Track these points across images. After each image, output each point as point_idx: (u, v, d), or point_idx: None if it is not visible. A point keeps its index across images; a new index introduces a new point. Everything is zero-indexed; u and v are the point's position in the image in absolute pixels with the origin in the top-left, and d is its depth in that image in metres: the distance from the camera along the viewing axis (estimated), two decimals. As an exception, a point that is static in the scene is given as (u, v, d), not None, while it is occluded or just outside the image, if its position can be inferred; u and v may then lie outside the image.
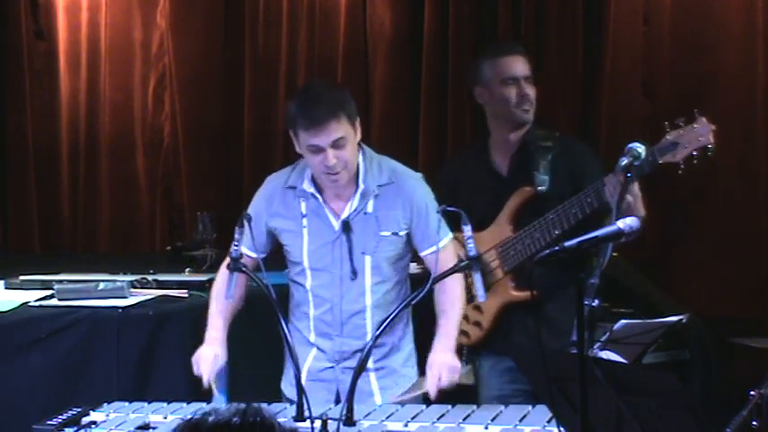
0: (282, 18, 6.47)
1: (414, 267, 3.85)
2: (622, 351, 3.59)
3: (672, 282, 5.52)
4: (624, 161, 3.42)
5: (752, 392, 3.27)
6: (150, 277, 4.61)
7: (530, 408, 3.30)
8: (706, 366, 5.05)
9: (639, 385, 2.51)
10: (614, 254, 3.32)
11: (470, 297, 3.97)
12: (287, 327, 3.46)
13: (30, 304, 4.34)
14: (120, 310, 4.24)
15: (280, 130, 6.45)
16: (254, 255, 3.65)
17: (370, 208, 3.65)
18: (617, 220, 2.87)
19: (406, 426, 3.21)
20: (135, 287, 4.51)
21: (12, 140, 6.74)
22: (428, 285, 3.41)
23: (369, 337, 3.57)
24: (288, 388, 3.74)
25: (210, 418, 1.93)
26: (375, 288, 3.67)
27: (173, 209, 6.77)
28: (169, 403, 3.47)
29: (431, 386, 3.54)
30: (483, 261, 3.88)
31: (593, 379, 2.50)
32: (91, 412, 3.35)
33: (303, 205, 3.68)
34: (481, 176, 4.13)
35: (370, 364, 3.65)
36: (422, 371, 3.72)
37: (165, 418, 3.32)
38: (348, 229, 3.64)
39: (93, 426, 3.26)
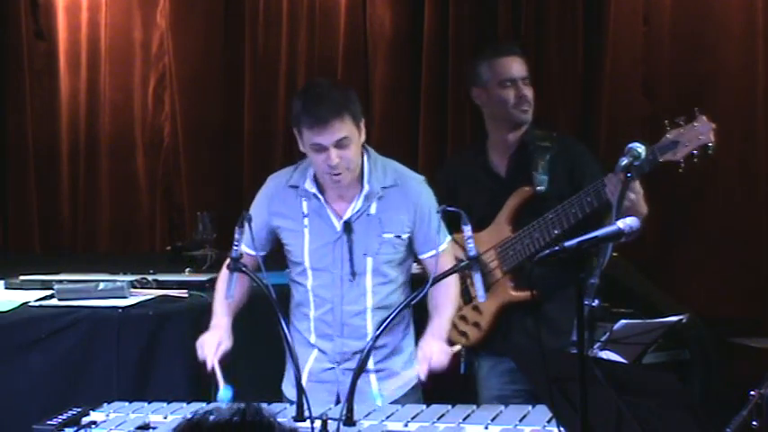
0: (282, 18, 6.46)
1: (414, 267, 3.84)
2: (622, 351, 3.60)
3: (672, 282, 5.52)
4: (624, 161, 3.42)
5: (752, 392, 3.27)
6: (150, 277, 4.61)
7: (530, 408, 3.30)
8: (706, 366, 5.05)
9: (639, 385, 2.51)
10: (614, 254, 3.32)
11: (470, 297, 3.98)
12: (287, 327, 3.46)
13: (30, 304, 4.34)
14: (120, 310, 4.24)
15: (280, 130, 6.46)
16: (253, 253, 3.64)
17: (373, 210, 3.65)
18: (617, 220, 2.87)
19: (406, 426, 3.21)
20: (135, 287, 4.51)
21: (12, 140, 6.74)
22: (428, 286, 3.41)
23: (369, 338, 3.56)
24: (288, 389, 3.73)
25: (211, 418, 1.93)
26: (376, 289, 3.67)
27: (173, 209, 6.76)
28: (169, 403, 3.47)
29: (421, 367, 3.53)
30: (482, 261, 3.88)
31: (593, 379, 2.50)
32: (91, 412, 3.35)
33: (305, 205, 3.68)
34: (479, 177, 4.13)
35: (370, 365, 3.65)
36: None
37: (165, 418, 3.32)
38: (349, 231, 3.63)
39: (93, 426, 3.26)
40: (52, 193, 6.76)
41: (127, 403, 3.49)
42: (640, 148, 3.43)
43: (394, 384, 3.69)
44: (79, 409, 3.32)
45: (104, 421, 3.30)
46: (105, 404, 3.46)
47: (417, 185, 3.70)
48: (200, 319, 4.21)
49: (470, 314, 4.05)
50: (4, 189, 6.75)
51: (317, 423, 3.11)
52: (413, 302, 3.50)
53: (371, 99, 6.16)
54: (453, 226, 3.68)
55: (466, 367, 4.09)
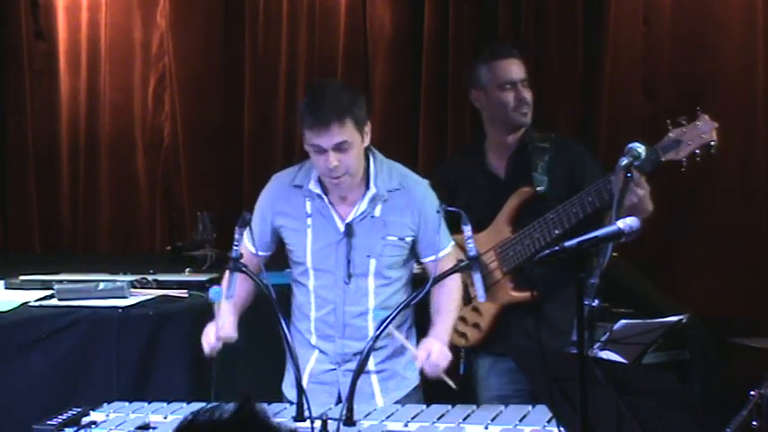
0: (282, 18, 6.47)
1: (414, 268, 3.84)
2: (622, 351, 3.60)
3: (672, 282, 5.52)
4: (624, 161, 3.42)
5: (752, 392, 3.27)
6: (150, 277, 4.60)
7: (530, 408, 3.30)
8: (706, 366, 5.05)
9: (639, 385, 2.51)
10: (614, 254, 3.32)
11: (469, 298, 3.98)
12: (287, 327, 3.46)
13: (30, 304, 4.34)
14: (120, 310, 4.24)
15: (280, 131, 6.46)
16: (260, 253, 3.64)
17: (377, 212, 3.64)
18: (617, 219, 2.87)
19: (406, 426, 3.21)
20: (135, 287, 4.51)
21: (12, 140, 6.74)
22: (428, 286, 3.41)
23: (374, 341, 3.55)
24: (288, 389, 3.73)
25: (208, 417, 1.92)
26: (378, 291, 3.66)
27: (173, 209, 6.76)
28: (169, 403, 3.47)
29: (420, 354, 3.51)
30: (482, 262, 3.88)
31: (593, 379, 2.50)
32: (91, 412, 3.35)
33: (308, 205, 3.67)
34: (478, 178, 4.13)
35: (371, 366, 3.65)
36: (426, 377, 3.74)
37: (165, 418, 3.32)
38: (350, 233, 3.63)
39: (93, 426, 3.26)
40: (52, 193, 6.76)
41: (127, 403, 3.49)
42: (640, 148, 3.44)
43: (395, 386, 3.69)
44: (79, 409, 3.32)
45: (104, 421, 3.30)
46: (105, 404, 3.46)
47: (422, 189, 3.70)
48: (200, 319, 4.21)
49: (470, 315, 4.05)
50: (4, 189, 6.76)
51: (317, 423, 3.11)
52: (413, 302, 3.50)
53: (371, 99, 6.16)
54: (453, 226, 3.68)
55: (465, 367, 4.08)
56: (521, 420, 3.21)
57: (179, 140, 6.68)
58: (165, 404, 3.46)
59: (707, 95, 5.41)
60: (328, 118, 3.47)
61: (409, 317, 3.76)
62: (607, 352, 3.54)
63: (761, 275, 5.43)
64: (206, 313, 4.14)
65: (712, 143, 3.66)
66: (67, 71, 6.73)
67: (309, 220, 3.67)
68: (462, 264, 3.49)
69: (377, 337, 3.41)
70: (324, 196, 3.64)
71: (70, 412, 3.29)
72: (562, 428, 2.82)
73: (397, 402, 3.58)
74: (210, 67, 6.68)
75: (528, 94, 4.05)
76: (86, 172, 6.74)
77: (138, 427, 3.24)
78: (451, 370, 3.62)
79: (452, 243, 3.70)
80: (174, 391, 3.98)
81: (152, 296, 4.42)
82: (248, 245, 3.62)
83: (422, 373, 3.58)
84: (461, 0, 6.00)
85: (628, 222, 2.78)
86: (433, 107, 6.08)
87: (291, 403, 3.42)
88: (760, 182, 5.45)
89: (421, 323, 3.84)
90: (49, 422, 3.22)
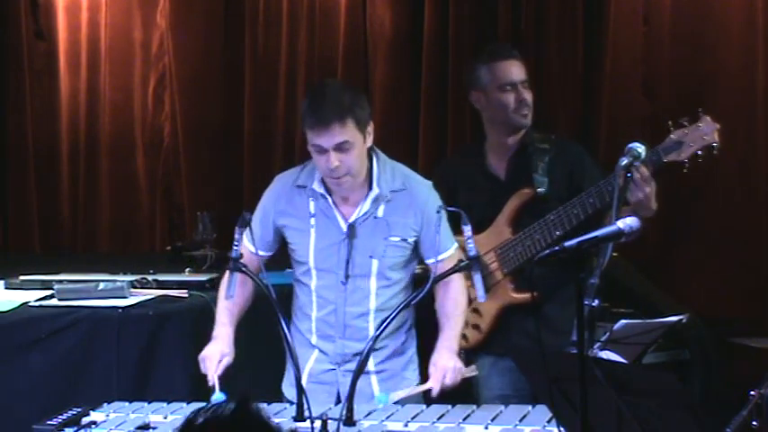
0: (282, 18, 6.46)
1: (415, 268, 3.84)
2: (622, 351, 3.59)
3: (672, 282, 5.52)
4: (624, 161, 3.42)
5: (752, 392, 3.27)
6: (150, 277, 4.60)
7: (530, 408, 3.30)
8: (706, 366, 5.05)
9: (639, 385, 2.51)
10: (614, 254, 3.32)
11: (470, 299, 3.98)
12: (287, 327, 3.46)
13: (30, 304, 4.34)
14: (120, 310, 4.24)
15: (280, 131, 6.46)
16: (261, 253, 3.64)
17: (380, 212, 3.64)
18: (617, 219, 2.87)
19: (406, 426, 3.21)
20: (135, 287, 4.51)
21: (12, 140, 6.74)
22: (428, 286, 3.41)
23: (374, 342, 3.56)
24: (288, 389, 3.73)
25: (207, 417, 1.93)
26: (380, 292, 3.66)
27: (173, 209, 6.76)
28: (169, 403, 3.47)
29: (435, 385, 3.52)
30: (482, 263, 3.88)
31: (593, 379, 2.50)
32: (91, 412, 3.35)
33: (312, 205, 3.66)
34: (477, 179, 4.12)
35: (371, 367, 3.64)
36: (423, 372, 3.72)
37: (165, 418, 3.32)
38: (353, 234, 3.62)
39: (93, 426, 3.26)
40: (52, 193, 6.76)
41: (127, 403, 3.49)
42: (640, 148, 3.44)
43: (394, 386, 3.68)
44: (79, 409, 3.32)
45: (104, 421, 3.30)
46: (105, 404, 3.46)
47: (425, 190, 3.69)
48: (200, 319, 4.22)
49: (470, 316, 4.04)
50: (4, 189, 6.76)
51: (317, 423, 3.11)
52: (413, 303, 3.50)
53: (371, 99, 6.16)
54: (453, 226, 3.68)
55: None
56: (521, 420, 3.21)
57: (179, 140, 6.68)
58: (165, 404, 3.46)
59: (707, 95, 5.41)
60: (329, 118, 3.46)
61: (409, 317, 3.76)
62: (607, 352, 3.54)
63: (761, 275, 5.43)
64: (206, 313, 4.15)
65: (714, 144, 3.66)
66: (67, 71, 6.72)
67: (313, 220, 3.66)
68: (462, 264, 3.49)
69: (376, 338, 3.41)
70: (327, 196, 3.64)
71: (70, 412, 3.29)
72: (562, 428, 2.82)
73: (396, 402, 3.58)
74: (210, 67, 6.68)
75: (528, 96, 4.05)
76: (86, 172, 6.74)
77: (138, 427, 3.24)
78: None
79: (455, 245, 3.69)
80: (174, 391, 3.98)
81: (152, 296, 4.42)
82: (249, 245, 3.62)
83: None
84: (461, 0, 6.00)
85: (628, 222, 2.78)
86: (433, 107, 6.08)
87: (291, 403, 3.42)
88: (760, 182, 5.45)
89: (421, 323, 3.84)
90: (49, 422, 3.22)
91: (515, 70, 4.05)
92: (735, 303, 5.44)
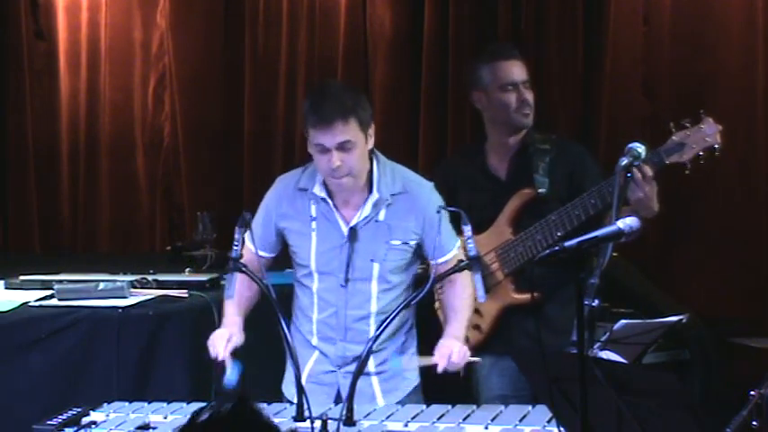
0: (282, 18, 6.46)
1: (416, 269, 3.84)
2: (622, 351, 3.60)
3: (672, 282, 5.52)
4: (624, 161, 3.42)
5: (752, 392, 3.27)
6: (150, 277, 4.60)
7: (530, 408, 3.30)
8: (706, 366, 5.05)
9: (639, 385, 2.51)
10: (614, 254, 3.32)
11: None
12: (287, 327, 3.46)
13: (30, 304, 4.34)
14: (120, 310, 4.24)
15: (280, 131, 6.46)
16: (264, 254, 3.64)
17: (381, 216, 3.63)
18: (617, 219, 2.87)
19: (406, 426, 3.21)
20: (135, 287, 4.51)
21: (12, 140, 6.74)
22: (428, 286, 3.41)
23: (374, 343, 3.56)
24: (288, 389, 3.73)
25: (206, 416, 1.94)
26: (381, 295, 3.66)
27: (173, 209, 6.76)
28: (169, 403, 3.47)
29: (440, 361, 3.50)
30: (483, 263, 3.88)
31: (593, 379, 2.50)
32: (91, 412, 3.35)
33: (313, 208, 3.66)
34: (478, 179, 4.12)
35: (371, 368, 3.64)
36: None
37: (165, 418, 3.32)
38: (354, 237, 3.62)
39: (93, 426, 3.26)
40: (52, 193, 6.76)
41: (127, 403, 3.49)
42: (640, 148, 3.44)
43: (395, 386, 3.68)
44: (79, 409, 3.32)
45: (104, 421, 3.30)
46: (105, 404, 3.46)
47: (426, 192, 3.68)
48: (200, 319, 4.22)
49: (471, 317, 4.04)
50: (4, 189, 6.76)
51: (317, 423, 3.11)
52: (413, 303, 3.50)
53: (371, 99, 6.15)
54: (454, 226, 3.68)
55: (466, 369, 4.07)
56: (521, 420, 3.21)
57: (179, 140, 6.68)
58: (165, 404, 3.46)
59: (707, 95, 5.41)
60: (332, 116, 3.46)
61: (410, 318, 3.76)
62: (607, 352, 3.54)
63: (761, 275, 5.43)
64: (206, 313, 4.15)
65: (716, 146, 3.66)
66: (67, 71, 6.72)
67: (314, 224, 3.66)
68: (462, 264, 3.48)
69: (376, 338, 3.41)
70: (329, 200, 3.63)
71: (70, 412, 3.29)
72: (562, 428, 2.82)
73: (397, 402, 3.58)
74: (210, 67, 6.68)
75: (530, 96, 4.05)
76: (86, 172, 6.74)
77: (138, 427, 3.24)
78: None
79: (458, 245, 3.68)
80: (174, 391, 3.98)
81: (152, 296, 4.42)
82: (251, 246, 3.62)
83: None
84: (461, 0, 6.00)
85: (628, 222, 2.78)
86: (432, 107, 6.08)
87: (291, 403, 3.42)
88: (760, 182, 5.45)
89: (421, 323, 3.84)
90: (49, 422, 3.22)
91: (517, 70, 4.05)
92: (735, 303, 5.44)
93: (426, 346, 3.79)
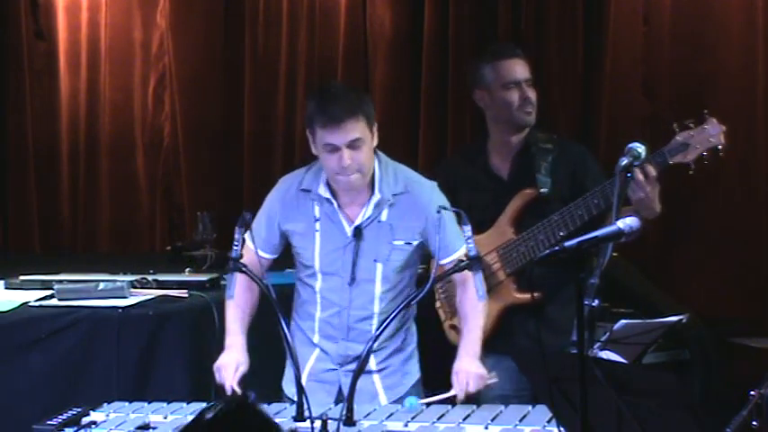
0: (282, 18, 6.47)
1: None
2: (622, 351, 3.60)
3: (672, 282, 5.52)
4: (624, 161, 3.42)
5: (752, 392, 3.27)
6: (150, 277, 4.60)
7: (530, 408, 3.30)
8: (706, 366, 5.05)
9: (639, 385, 2.51)
10: (614, 254, 3.32)
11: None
12: (287, 326, 3.46)
13: (30, 304, 4.34)
14: (120, 310, 4.24)
15: (279, 131, 6.46)
16: (266, 256, 3.65)
17: (384, 216, 3.63)
18: (617, 219, 2.87)
19: (406, 426, 3.21)
20: (135, 287, 4.51)
21: (12, 140, 6.74)
22: (428, 286, 3.40)
23: (375, 342, 3.55)
24: (289, 387, 3.73)
25: (212, 413, 1.96)
26: (384, 296, 3.66)
27: (173, 209, 6.77)
28: (169, 403, 3.47)
29: (459, 392, 3.51)
30: (484, 263, 3.88)
31: (593, 379, 2.50)
32: (91, 412, 3.35)
33: (317, 209, 3.66)
34: (480, 179, 4.12)
35: (373, 366, 3.65)
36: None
37: (165, 418, 3.32)
38: (359, 237, 3.62)
39: (93, 426, 3.26)
40: (52, 193, 6.76)
41: (127, 403, 3.49)
42: (640, 148, 3.43)
43: (397, 381, 3.69)
44: (79, 409, 3.32)
45: (104, 421, 3.30)
46: (105, 404, 3.46)
47: (428, 192, 3.68)
48: (200, 319, 4.22)
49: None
50: (4, 189, 6.76)
51: (317, 423, 3.11)
52: (413, 303, 3.51)
53: (371, 99, 6.15)
54: (454, 226, 3.68)
55: None
56: (521, 420, 3.21)
57: (179, 140, 6.68)
58: (165, 404, 3.46)
59: (707, 95, 5.41)
60: (342, 115, 3.46)
61: (409, 317, 3.76)
62: (607, 352, 3.54)
63: (761, 275, 5.43)
64: (206, 313, 4.15)
65: (720, 147, 3.66)
66: (67, 71, 6.73)
67: (318, 225, 3.65)
68: (463, 264, 3.48)
69: (376, 338, 3.41)
70: (333, 200, 3.63)
71: (70, 412, 3.29)
72: (562, 428, 2.82)
73: (400, 398, 3.58)
74: (210, 67, 6.68)
75: (532, 94, 4.05)
76: (86, 172, 6.74)
77: (138, 427, 3.23)
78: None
79: (464, 244, 3.67)
80: (174, 391, 3.98)
81: (152, 296, 4.41)
82: (251, 246, 3.62)
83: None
84: (461, 0, 6.00)
85: (628, 222, 2.78)
86: (432, 107, 6.08)
87: (291, 401, 3.42)
88: (760, 182, 5.45)
89: (422, 321, 3.84)
90: (49, 422, 3.22)
91: (519, 69, 4.05)
92: (735, 303, 5.44)
93: (427, 347, 3.80)
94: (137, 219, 6.77)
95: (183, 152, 6.68)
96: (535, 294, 3.74)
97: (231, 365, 3.54)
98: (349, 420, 3.19)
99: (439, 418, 3.26)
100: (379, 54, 6.23)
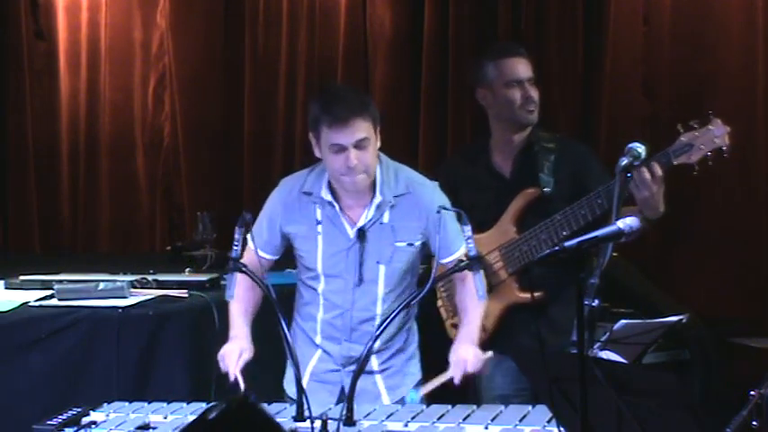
0: (282, 18, 6.47)
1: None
2: (622, 351, 3.60)
3: (672, 282, 5.52)
4: (624, 161, 3.41)
5: (752, 392, 3.27)
6: (150, 277, 4.60)
7: (530, 408, 3.30)
8: (706, 366, 5.05)
9: (639, 385, 2.51)
10: (614, 254, 3.32)
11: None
12: (287, 327, 3.45)
13: (30, 304, 4.34)
14: (120, 310, 4.24)
15: (279, 131, 6.47)
16: (268, 257, 3.66)
17: (386, 218, 3.62)
18: (617, 219, 2.87)
19: (406, 426, 3.21)
20: (135, 287, 4.51)
21: (12, 140, 6.75)
22: (428, 286, 3.40)
23: (377, 343, 3.56)
24: (290, 386, 3.73)
25: (216, 412, 1.96)
26: (386, 297, 3.65)
27: (173, 209, 6.77)
28: (169, 403, 3.47)
29: (456, 373, 3.51)
30: (486, 262, 3.88)
31: (593, 379, 2.50)
32: (91, 412, 3.35)
33: (319, 212, 3.65)
34: (482, 178, 4.12)
35: (375, 366, 3.65)
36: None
37: (165, 418, 3.32)
38: (363, 238, 3.62)
39: (93, 426, 3.26)
40: (52, 193, 6.77)
41: (127, 403, 3.48)
42: (640, 148, 3.43)
43: (400, 382, 3.69)
44: (79, 409, 3.32)
45: (104, 421, 3.30)
46: (105, 404, 3.46)
47: (429, 192, 3.67)
48: (200, 319, 4.22)
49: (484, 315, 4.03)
50: (4, 189, 6.76)
51: (317, 423, 3.11)
52: (413, 303, 3.50)
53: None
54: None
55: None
56: (521, 420, 3.20)
57: (179, 140, 6.69)
58: (165, 404, 3.46)
59: (707, 95, 5.42)
60: (349, 114, 3.46)
61: (410, 320, 3.76)
62: (607, 352, 3.54)
63: (761, 275, 5.43)
64: (206, 313, 4.15)
65: (724, 148, 3.66)
66: (67, 71, 6.73)
67: (320, 228, 3.65)
68: (463, 264, 3.48)
69: (376, 338, 3.41)
70: (335, 203, 3.63)
71: (70, 412, 3.28)
72: (562, 428, 2.82)
73: (396, 402, 3.58)
74: (210, 67, 6.68)
75: (535, 93, 4.04)
76: (86, 172, 6.75)
77: (138, 427, 3.23)
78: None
79: (464, 244, 3.67)
80: (174, 391, 3.98)
81: (152, 296, 4.42)
82: (256, 248, 3.63)
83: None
84: (461, 0, 6.00)
85: (628, 222, 2.78)
86: (432, 107, 6.08)
87: (292, 401, 3.42)
88: (760, 182, 5.45)
89: (423, 320, 3.84)
90: (49, 422, 3.22)
91: (522, 67, 4.05)
92: (735, 303, 5.44)
93: (428, 346, 3.79)
94: (137, 219, 6.78)
95: (183, 152, 6.68)
96: (538, 294, 3.74)
97: (234, 352, 3.54)
98: (349, 420, 3.19)
99: (439, 418, 3.26)
100: (379, 54, 6.23)
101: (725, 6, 5.51)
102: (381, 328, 3.41)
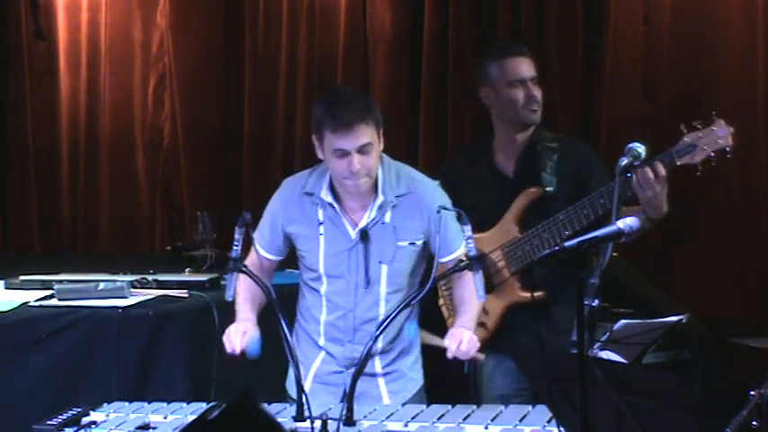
0: (282, 18, 6.47)
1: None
2: (622, 351, 3.60)
3: (672, 282, 5.52)
4: (624, 161, 3.42)
5: (752, 392, 3.27)
6: (150, 277, 4.60)
7: (530, 408, 3.30)
8: (706, 366, 5.05)
9: (639, 385, 2.51)
10: (614, 254, 3.32)
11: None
12: (288, 327, 3.45)
13: (30, 304, 4.34)
14: (120, 310, 4.24)
15: (279, 131, 6.47)
16: (271, 257, 3.67)
17: (387, 218, 3.62)
18: (617, 219, 2.87)
19: (406, 426, 3.21)
20: (135, 287, 4.51)
21: (12, 140, 6.75)
22: (428, 286, 3.40)
23: (380, 344, 3.57)
24: (292, 388, 3.72)
25: (216, 413, 1.97)
26: (389, 297, 3.64)
27: (173, 209, 6.77)
28: (169, 403, 3.47)
29: (451, 344, 3.47)
30: (489, 261, 3.88)
31: (593, 379, 2.50)
32: (91, 412, 3.35)
33: (320, 213, 3.65)
34: (484, 177, 4.12)
35: (378, 369, 3.65)
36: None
37: (165, 418, 3.32)
38: (366, 239, 3.61)
39: (93, 426, 3.26)
40: (52, 193, 6.77)
41: (127, 403, 3.48)
42: (640, 148, 3.43)
43: (402, 386, 3.68)
44: (79, 409, 3.32)
45: (104, 421, 3.30)
46: (105, 404, 3.46)
47: (430, 191, 3.67)
48: (200, 319, 4.22)
49: (480, 310, 4.03)
50: (4, 189, 6.76)
51: (317, 423, 3.11)
52: (413, 302, 3.50)
53: (375, 102, 6.17)
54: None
55: (470, 367, 4.06)
56: (521, 420, 3.20)
57: (179, 140, 6.69)
58: (165, 404, 3.46)
59: (707, 95, 5.42)
60: (353, 119, 3.44)
61: (414, 316, 3.75)
62: (607, 352, 3.54)
63: (761, 275, 5.43)
64: (206, 313, 4.15)
65: (728, 148, 3.66)
66: (67, 71, 6.73)
67: (322, 228, 3.64)
68: (463, 263, 3.48)
69: (376, 338, 3.41)
70: (336, 205, 3.62)
71: (70, 412, 3.28)
72: (562, 428, 2.82)
73: (403, 404, 3.57)
74: (210, 67, 6.69)
75: (538, 92, 4.04)
76: (86, 172, 6.75)
77: (138, 427, 3.23)
78: (457, 368, 3.62)
79: (464, 243, 3.67)
80: (174, 391, 3.98)
81: (152, 296, 4.42)
82: (260, 250, 3.64)
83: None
84: (461, 0, 6.00)
85: (628, 222, 2.78)
86: (432, 107, 6.08)
87: (294, 401, 3.42)
88: (760, 182, 5.45)
89: (423, 320, 3.84)
90: (49, 422, 3.22)
91: (525, 67, 4.05)
92: (735, 303, 5.44)
93: (428, 345, 3.79)
94: (137, 219, 6.78)
95: (183, 152, 6.68)
96: (538, 294, 3.74)
97: (239, 330, 3.53)
98: (349, 420, 3.19)
99: (439, 418, 3.26)
100: (379, 54, 6.23)
101: (725, 6, 5.51)
102: (381, 328, 3.41)
